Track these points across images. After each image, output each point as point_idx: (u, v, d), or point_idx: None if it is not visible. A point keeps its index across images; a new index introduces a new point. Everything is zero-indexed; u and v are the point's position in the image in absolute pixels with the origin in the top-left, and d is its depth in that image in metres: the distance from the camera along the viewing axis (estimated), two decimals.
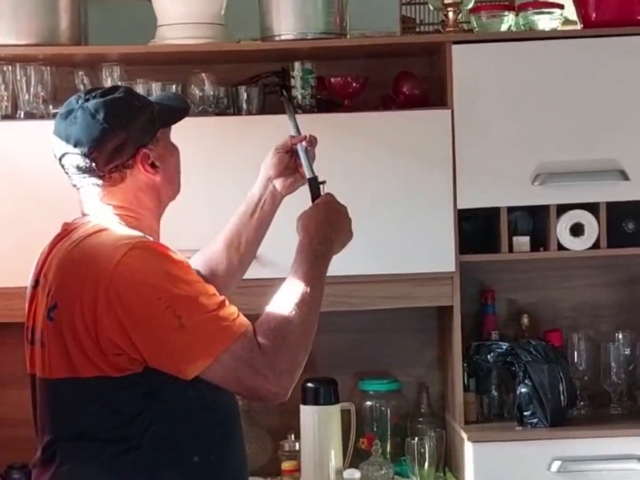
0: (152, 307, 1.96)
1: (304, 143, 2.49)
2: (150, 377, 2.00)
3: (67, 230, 2.17)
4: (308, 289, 2.07)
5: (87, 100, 2.14)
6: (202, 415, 2.08)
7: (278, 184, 2.51)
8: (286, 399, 2.03)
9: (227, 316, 1.99)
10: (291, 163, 2.51)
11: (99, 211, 2.16)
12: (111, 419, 2.03)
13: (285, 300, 2.06)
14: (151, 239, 2.11)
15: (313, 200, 2.35)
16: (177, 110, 2.25)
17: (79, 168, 2.13)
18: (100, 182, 2.14)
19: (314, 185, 2.38)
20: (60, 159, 2.16)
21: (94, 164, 2.11)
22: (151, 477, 2.04)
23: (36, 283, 2.18)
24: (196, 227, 2.96)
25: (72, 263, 2.06)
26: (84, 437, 2.05)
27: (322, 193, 2.37)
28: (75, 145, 2.11)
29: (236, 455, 2.17)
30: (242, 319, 2.02)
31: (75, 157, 2.12)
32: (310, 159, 2.49)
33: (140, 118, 2.15)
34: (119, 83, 3.18)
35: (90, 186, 2.15)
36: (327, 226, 2.23)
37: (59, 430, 2.09)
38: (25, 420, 3.33)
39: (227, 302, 2.03)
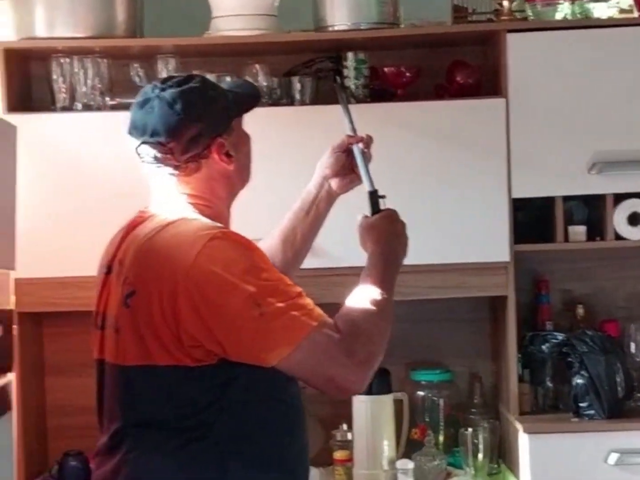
0: (233, 297, 1.96)
1: (360, 145, 2.46)
2: (224, 369, 2.01)
3: (142, 217, 2.17)
4: (384, 293, 2.09)
5: (163, 89, 2.13)
6: (270, 407, 2.09)
7: (334, 183, 2.50)
8: (362, 390, 2.04)
9: (305, 305, 1.99)
10: (347, 163, 2.49)
11: (174, 200, 2.16)
12: (183, 408, 2.03)
13: (363, 299, 2.07)
14: (230, 229, 2.11)
15: (373, 212, 2.32)
16: (250, 97, 2.25)
17: (155, 158, 2.13)
18: (175, 171, 2.14)
19: (374, 199, 2.35)
20: (137, 148, 2.15)
21: (170, 154, 2.11)
22: (218, 467, 2.04)
23: (108, 269, 2.17)
24: (252, 217, 2.94)
25: (151, 251, 2.05)
26: (153, 425, 2.05)
27: (381, 206, 2.34)
28: (152, 135, 2.11)
29: (299, 446, 2.18)
30: (319, 310, 2.02)
31: (152, 147, 2.12)
32: (367, 160, 2.47)
33: (215, 108, 2.15)
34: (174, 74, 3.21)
35: (166, 175, 2.15)
36: (395, 239, 2.26)
37: (128, 417, 2.08)
38: (82, 408, 3.45)
39: (303, 293, 2.03)
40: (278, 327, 1.95)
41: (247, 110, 2.23)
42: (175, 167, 2.13)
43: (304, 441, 2.19)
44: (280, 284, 2.00)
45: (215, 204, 2.18)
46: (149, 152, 2.13)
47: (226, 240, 2.01)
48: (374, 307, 2.05)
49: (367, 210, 2.34)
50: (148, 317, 2.01)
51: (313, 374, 1.99)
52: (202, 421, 2.03)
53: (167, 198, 2.17)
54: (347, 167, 2.49)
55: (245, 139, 2.24)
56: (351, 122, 2.55)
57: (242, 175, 2.23)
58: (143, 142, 2.13)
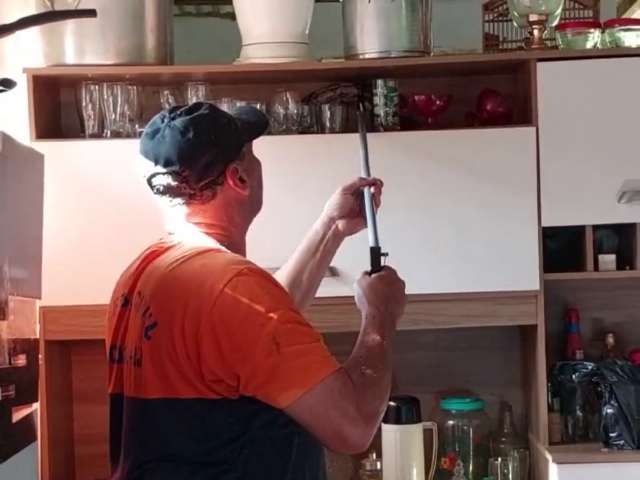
0: (254, 334, 1.94)
1: (372, 189, 2.44)
2: (245, 403, 1.99)
3: (162, 248, 2.14)
4: (385, 353, 2.06)
5: (172, 118, 2.11)
6: (291, 441, 2.07)
7: (341, 224, 2.48)
8: (365, 447, 1.99)
9: (323, 350, 1.98)
10: (356, 205, 2.48)
11: (191, 229, 2.14)
12: (206, 442, 2.01)
13: (369, 355, 2.05)
14: (256, 265, 2.08)
15: (372, 268, 2.26)
16: (257, 123, 2.23)
17: (169, 187, 2.10)
18: (191, 200, 2.12)
19: (375, 256, 2.28)
20: (149, 180, 2.13)
21: (185, 183, 2.09)
22: None
23: (126, 301, 2.14)
24: (280, 245, 2.95)
25: (175, 283, 2.03)
26: (175, 460, 2.02)
27: (382, 263, 2.28)
28: (165, 165, 2.09)
29: (320, 476, 2.16)
30: (334, 358, 2.00)
31: (166, 177, 2.10)
32: (375, 208, 2.43)
33: (227, 133, 2.13)
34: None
35: (181, 205, 2.13)
36: (394, 303, 2.20)
37: (149, 452, 2.05)
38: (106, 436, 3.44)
39: (322, 339, 2.01)
40: (295, 368, 1.93)
41: (256, 136, 2.22)
42: (191, 196, 2.12)
43: (323, 471, 2.18)
44: (302, 325, 1.99)
45: (231, 232, 2.17)
46: (163, 182, 2.11)
47: (252, 276, 2.00)
48: (380, 364, 2.02)
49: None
50: (170, 349, 1.99)
51: (321, 421, 1.96)
52: (226, 456, 2.01)
53: (184, 228, 2.15)
54: (355, 209, 2.47)
55: (256, 164, 2.22)
56: (366, 159, 2.53)
57: (256, 201, 2.22)
58: (156, 173, 2.11)
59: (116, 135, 3.23)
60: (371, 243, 2.32)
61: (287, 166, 3.12)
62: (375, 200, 2.45)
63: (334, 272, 3.10)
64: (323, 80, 3.33)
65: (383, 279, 2.22)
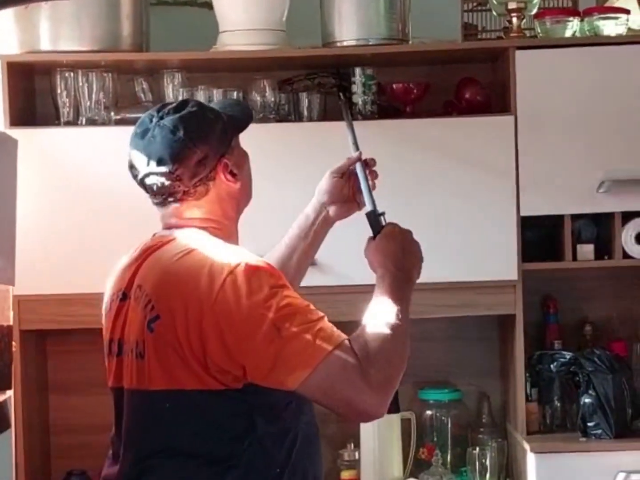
0: (256, 324, 1.96)
1: (363, 167, 2.42)
2: (249, 394, 2.01)
3: (161, 242, 2.14)
4: (397, 314, 2.04)
5: (161, 117, 2.12)
6: (295, 435, 2.08)
7: (332, 210, 2.47)
8: (382, 415, 1.99)
9: (324, 328, 1.98)
10: (346, 189, 2.45)
11: (187, 225, 2.15)
12: (209, 436, 2.02)
13: (377, 321, 2.04)
14: (255, 256, 2.08)
15: (374, 232, 2.25)
16: (243, 117, 2.24)
17: (163, 186, 2.11)
18: (185, 197, 2.13)
19: (372, 219, 2.27)
20: (142, 180, 2.14)
21: (179, 181, 2.11)
22: None
23: (124, 295, 2.14)
24: (259, 233, 2.94)
25: (176, 277, 2.03)
26: (179, 455, 2.04)
27: (383, 224, 2.26)
28: (158, 165, 2.10)
29: (317, 472, 2.18)
30: (339, 331, 2.00)
31: (159, 176, 2.11)
32: (371, 179, 2.41)
33: (215, 129, 2.14)
34: (180, 90, 3.20)
35: (175, 202, 2.14)
36: (403, 256, 2.17)
37: (152, 446, 2.05)
38: (86, 427, 3.42)
39: (321, 313, 2.02)
40: (296, 350, 1.94)
41: (243, 129, 2.23)
42: (185, 193, 2.13)
43: (321, 463, 2.21)
44: (300, 308, 1.99)
45: (225, 225, 2.19)
46: (156, 181, 2.11)
47: (251, 268, 2.01)
48: (388, 330, 2.01)
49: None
50: (174, 342, 2.00)
51: (332, 398, 1.98)
52: (230, 453, 2.02)
53: (180, 224, 2.16)
54: (345, 193, 2.45)
55: (244, 156, 2.24)
56: (355, 141, 2.51)
57: (247, 193, 2.24)
58: (149, 173, 2.11)
59: (91, 122, 3.21)
60: (369, 208, 2.30)
61: (265, 154, 3.08)
62: (371, 174, 2.43)
63: (314, 262, 3.09)
64: (300, 68, 3.32)
65: (385, 236, 2.20)
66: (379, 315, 2.05)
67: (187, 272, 2.02)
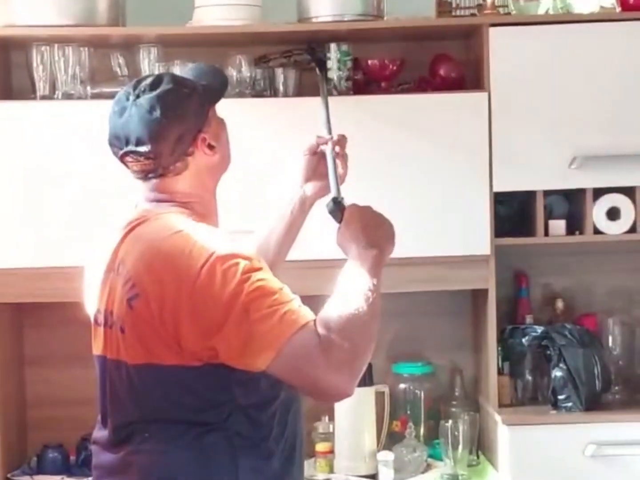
0: (229, 308, 1.98)
1: (331, 146, 2.42)
2: (227, 368, 2.03)
3: (145, 217, 2.16)
4: (366, 294, 2.03)
5: (137, 96, 2.14)
6: (274, 405, 2.12)
7: (308, 189, 2.48)
8: (350, 394, 2.01)
9: (293, 310, 1.99)
10: (320, 167, 2.46)
11: (168, 200, 2.17)
12: (192, 405, 2.06)
13: (345, 300, 2.03)
14: (233, 242, 2.09)
15: (337, 220, 2.21)
16: (219, 86, 2.25)
17: (143, 164, 2.14)
18: (165, 173, 2.16)
19: (335, 205, 2.23)
20: (122, 157, 2.16)
21: (158, 158, 2.13)
22: (230, 461, 2.08)
23: (108, 268, 2.16)
24: (235, 209, 2.97)
25: (155, 258, 2.06)
26: (165, 420, 2.08)
27: (345, 207, 2.23)
28: (137, 144, 2.11)
29: (300, 436, 2.22)
30: (306, 313, 2.01)
31: (139, 155, 2.13)
32: (340, 163, 2.40)
33: (192, 104, 2.16)
34: (156, 65, 3.20)
35: (156, 178, 2.17)
36: (366, 235, 2.14)
37: (137, 413, 2.10)
38: (62, 401, 3.44)
39: (293, 296, 2.03)
40: (263, 332, 1.97)
41: (219, 99, 2.24)
42: (164, 169, 2.15)
43: (302, 431, 2.25)
44: (270, 291, 2.00)
45: (205, 198, 2.21)
46: (136, 159, 2.14)
47: (227, 254, 2.02)
48: (353, 311, 2.00)
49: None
50: (151, 321, 2.03)
51: (299, 378, 2.00)
52: (213, 419, 2.07)
53: (161, 198, 2.18)
54: (320, 171, 2.46)
55: (222, 126, 2.25)
56: (328, 119, 2.52)
57: (225, 162, 2.26)
58: (128, 152, 2.14)
59: (67, 97, 3.21)
60: (332, 194, 2.29)
61: (240, 130, 3.06)
62: (341, 157, 2.43)
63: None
64: (276, 43, 3.32)
65: (345, 222, 2.18)
66: (346, 296, 2.04)
67: (168, 255, 2.05)
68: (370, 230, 2.15)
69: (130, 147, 2.12)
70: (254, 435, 2.10)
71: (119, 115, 2.14)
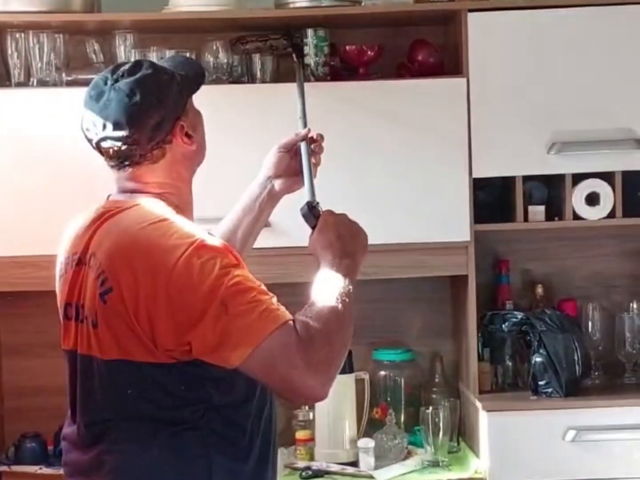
0: (206, 302, 1.96)
1: (305, 144, 2.40)
2: (200, 368, 2.01)
3: (118, 208, 2.12)
4: (341, 299, 2.02)
5: (116, 80, 2.11)
6: (250, 404, 2.11)
7: (277, 184, 2.47)
8: (324, 397, 2.00)
9: (271, 308, 1.98)
10: (293, 163, 2.45)
11: (143, 190, 2.14)
12: (166, 403, 2.05)
13: (322, 303, 2.03)
14: (205, 232, 2.08)
15: (310, 225, 2.20)
16: (196, 77, 2.23)
17: (119, 150, 2.11)
18: (141, 160, 2.13)
19: (309, 210, 2.21)
20: (97, 143, 2.13)
21: (136, 145, 2.10)
22: (204, 462, 2.06)
23: (79, 260, 2.13)
24: (211, 196, 2.94)
25: (129, 252, 2.03)
26: (140, 418, 2.05)
27: (320, 214, 2.21)
28: (114, 129, 2.08)
29: (273, 436, 2.20)
30: (284, 312, 2.00)
31: (116, 140, 2.10)
32: (314, 164, 2.39)
33: (171, 91, 2.14)
34: (132, 51, 3.17)
35: (132, 165, 2.13)
36: (341, 245, 2.12)
37: (107, 411, 2.07)
38: (39, 390, 3.41)
39: (270, 294, 2.02)
40: (240, 328, 1.95)
41: (197, 89, 2.22)
42: (141, 156, 2.12)
43: (276, 433, 2.23)
44: (249, 288, 1.99)
45: (181, 188, 2.19)
46: (112, 145, 2.11)
47: (205, 248, 2.00)
48: (330, 313, 2.00)
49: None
50: (124, 316, 2.01)
51: (273, 377, 1.98)
52: (187, 417, 2.05)
53: (136, 188, 2.15)
54: (292, 168, 2.45)
55: (199, 116, 2.23)
56: (304, 114, 2.50)
57: (202, 153, 2.24)
58: (105, 137, 2.11)
59: (42, 84, 3.18)
60: (308, 198, 2.27)
61: (217, 116, 3.04)
62: (315, 156, 2.42)
63: (266, 223, 3.10)
64: (252, 29, 3.29)
65: (319, 229, 2.18)
66: (323, 300, 2.03)
67: (142, 247, 2.02)
68: (345, 239, 2.14)
69: (108, 132, 2.09)
70: (228, 435, 2.08)
71: (96, 99, 2.11)
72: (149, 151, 2.12)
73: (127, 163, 2.13)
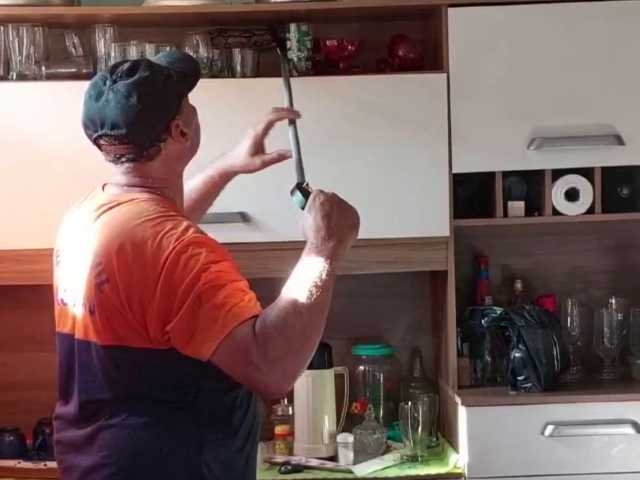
0: (186, 296, 2.04)
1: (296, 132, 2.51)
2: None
3: (116, 202, 2.21)
4: (314, 289, 2.04)
5: (114, 81, 2.19)
6: (238, 391, 2.18)
7: (240, 162, 2.65)
8: (283, 393, 2.06)
9: (242, 304, 2.03)
10: (255, 145, 2.63)
11: (138, 185, 2.22)
12: (162, 384, 2.13)
13: (290, 296, 2.04)
14: (196, 228, 2.15)
15: (301, 205, 2.22)
16: (192, 75, 2.30)
17: (117, 147, 2.20)
18: (138, 158, 2.21)
19: (300, 191, 2.25)
20: (96, 139, 2.22)
21: (132, 143, 2.19)
22: (196, 435, 2.14)
23: (77, 251, 2.22)
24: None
25: (125, 245, 2.10)
26: (136, 397, 2.14)
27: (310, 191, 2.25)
28: (112, 128, 2.17)
29: (257, 415, 2.28)
30: (252, 308, 2.04)
31: (113, 139, 2.19)
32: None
33: (167, 92, 2.22)
34: (112, 45, 3.16)
35: (129, 161, 2.22)
36: (328, 226, 2.14)
37: (105, 390, 2.16)
38: (19, 384, 3.39)
39: (248, 291, 2.06)
40: (210, 322, 2.01)
41: (193, 86, 2.30)
42: (138, 154, 2.21)
43: (260, 417, 2.31)
44: (226, 283, 2.04)
45: (174, 182, 2.29)
46: (110, 143, 2.20)
47: (191, 245, 2.08)
48: (294, 308, 2.01)
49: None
50: (120, 306, 2.09)
51: (236, 372, 2.04)
52: (181, 398, 2.14)
53: (131, 181, 2.23)
54: (252, 150, 2.63)
55: (193, 113, 2.32)
56: (291, 102, 2.57)
57: (195, 148, 2.34)
58: (103, 135, 2.19)
59: (22, 77, 3.16)
60: (298, 179, 2.33)
61: (198, 110, 3.07)
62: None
63: (245, 218, 3.11)
64: (234, 23, 3.30)
65: (308, 210, 2.19)
66: (290, 291, 2.05)
67: (137, 243, 2.10)
68: (332, 219, 2.15)
69: (105, 131, 2.19)
70: (219, 414, 2.16)
71: (95, 99, 2.20)
72: (145, 149, 2.21)
73: (123, 159, 2.22)
